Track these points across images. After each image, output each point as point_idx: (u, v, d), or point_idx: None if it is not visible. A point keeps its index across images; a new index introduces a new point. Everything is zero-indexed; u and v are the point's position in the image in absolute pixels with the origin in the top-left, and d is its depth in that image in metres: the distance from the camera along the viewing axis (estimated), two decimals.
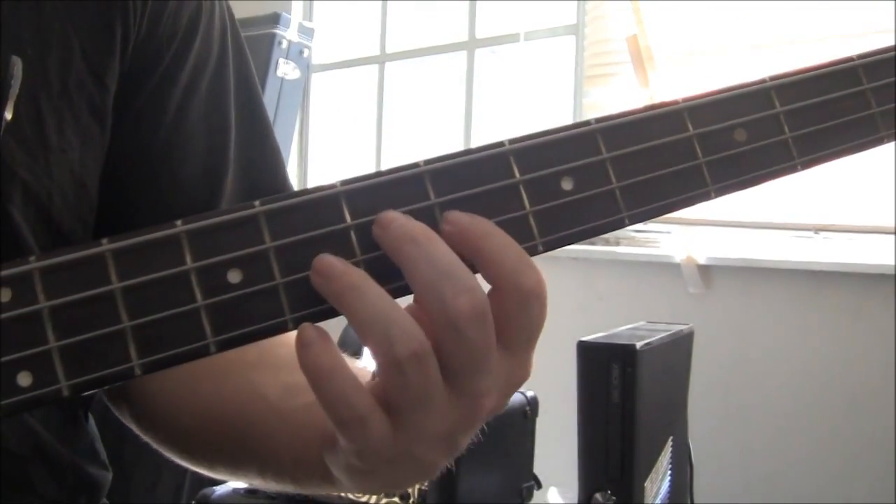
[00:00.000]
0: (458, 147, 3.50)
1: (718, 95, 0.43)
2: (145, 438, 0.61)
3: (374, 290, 0.37)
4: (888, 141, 0.43)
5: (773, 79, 0.43)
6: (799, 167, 0.43)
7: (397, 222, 0.38)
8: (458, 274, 0.37)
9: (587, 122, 0.41)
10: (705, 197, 0.41)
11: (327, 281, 0.37)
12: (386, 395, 0.38)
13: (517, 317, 0.39)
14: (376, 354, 0.38)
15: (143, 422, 0.61)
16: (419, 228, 0.38)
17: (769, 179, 0.42)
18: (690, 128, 0.42)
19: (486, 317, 0.37)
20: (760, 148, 0.42)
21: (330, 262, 0.38)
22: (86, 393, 0.38)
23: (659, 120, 0.42)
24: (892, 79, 0.44)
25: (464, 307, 0.37)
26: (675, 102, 0.42)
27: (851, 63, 0.44)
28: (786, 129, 0.43)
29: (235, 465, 0.56)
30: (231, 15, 0.63)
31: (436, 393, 0.38)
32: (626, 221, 0.41)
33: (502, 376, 0.39)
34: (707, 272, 2.62)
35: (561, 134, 0.41)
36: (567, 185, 0.40)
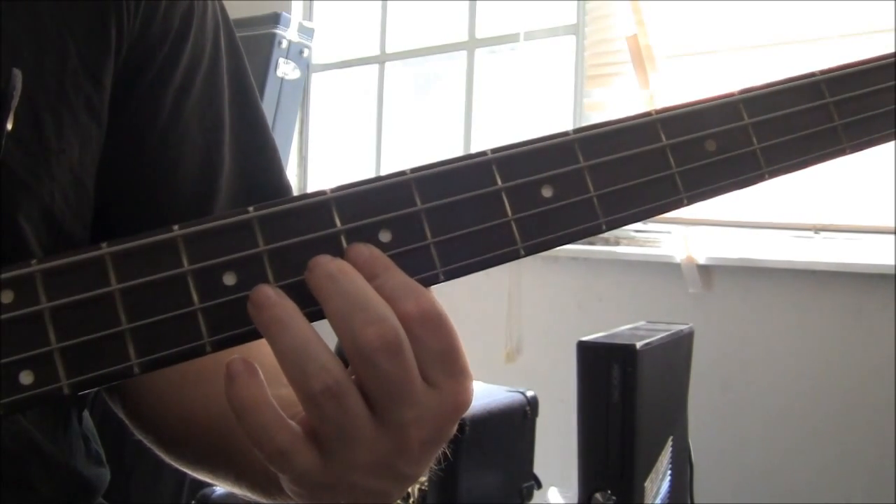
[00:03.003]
0: (458, 148, 3.47)
1: (690, 107, 0.45)
2: (137, 435, 0.62)
3: (297, 324, 0.38)
4: (850, 152, 0.45)
5: (741, 92, 0.45)
6: (766, 176, 0.45)
7: (320, 261, 0.39)
8: (368, 306, 0.38)
9: (566, 133, 0.43)
10: (678, 204, 0.43)
11: (258, 311, 0.38)
12: (312, 427, 0.39)
13: (414, 344, 0.39)
14: (293, 387, 0.38)
15: (133, 420, 0.62)
16: (336, 265, 0.39)
17: (739, 188, 0.44)
18: (664, 138, 0.44)
19: (398, 348, 0.38)
20: (730, 158, 0.44)
21: (265, 293, 0.39)
22: (86, 391, 0.39)
23: (634, 131, 0.43)
24: (853, 93, 0.46)
25: (371, 338, 0.37)
26: (649, 114, 0.44)
27: (814, 78, 0.46)
28: (754, 140, 0.44)
29: (214, 470, 0.58)
30: (224, 13, 0.63)
31: (357, 425, 0.39)
32: (603, 227, 0.42)
33: (430, 407, 0.39)
34: (707, 272, 2.62)
35: (541, 143, 0.42)
36: (547, 192, 0.42)
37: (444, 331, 0.39)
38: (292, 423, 0.39)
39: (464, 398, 0.40)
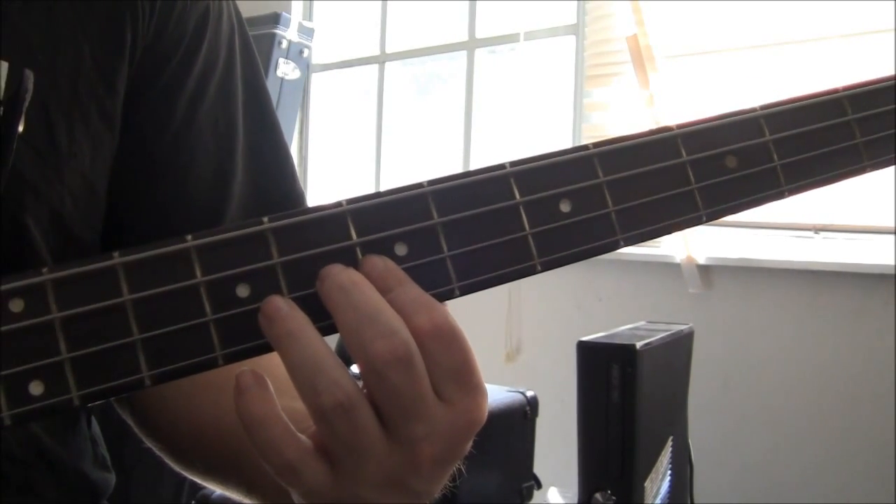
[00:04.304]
0: (459, 148, 3.45)
1: (711, 123, 0.44)
2: (147, 443, 0.61)
3: (308, 338, 0.38)
4: (871, 170, 0.45)
5: (763, 108, 0.45)
6: (786, 193, 0.44)
7: (332, 272, 0.38)
8: (379, 319, 0.37)
9: (585, 147, 0.42)
10: (697, 221, 0.43)
11: (269, 324, 0.38)
12: (322, 442, 0.39)
13: (427, 359, 0.38)
14: (304, 402, 0.38)
15: (143, 428, 0.61)
16: (348, 276, 0.38)
17: (758, 205, 0.44)
18: (684, 154, 0.43)
19: (408, 361, 0.37)
20: (750, 174, 0.44)
21: (276, 305, 0.38)
22: (96, 403, 0.38)
23: (654, 146, 0.43)
24: (876, 110, 0.45)
25: (381, 351, 0.37)
26: (670, 129, 0.43)
27: (837, 94, 0.45)
28: (775, 156, 0.44)
29: (225, 480, 0.57)
30: (239, 17, 0.62)
31: (368, 441, 0.38)
32: (621, 243, 0.42)
33: (443, 423, 0.39)
34: (707, 272, 2.62)
35: (560, 157, 0.42)
36: (565, 207, 0.41)
37: (458, 346, 0.38)
38: (302, 437, 0.39)
39: (477, 415, 0.39)
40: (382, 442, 0.38)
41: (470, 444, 0.41)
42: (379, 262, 0.39)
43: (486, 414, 0.40)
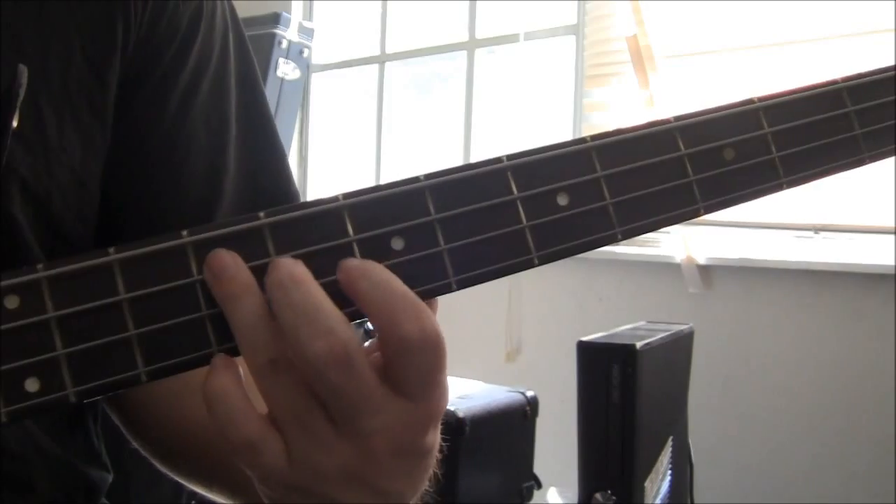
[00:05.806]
0: (459, 148, 3.45)
1: (709, 115, 0.44)
2: (133, 443, 0.61)
3: (251, 301, 0.37)
4: (870, 162, 0.45)
5: (761, 100, 0.45)
6: (785, 186, 0.44)
7: (276, 266, 0.37)
8: (317, 317, 0.36)
9: (583, 140, 0.42)
10: (695, 214, 0.43)
11: (215, 281, 0.37)
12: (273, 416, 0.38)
13: (401, 365, 0.37)
14: (245, 362, 0.38)
15: (130, 427, 0.61)
16: (287, 273, 0.37)
17: (756, 197, 0.44)
18: (682, 147, 0.43)
19: (349, 360, 0.36)
20: (748, 167, 0.44)
21: (222, 263, 0.37)
22: (92, 399, 0.38)
23: (652, 139, 0.43)
24: (874, 102, 0.45)
25: (319, 351, 0.36)
26: (668, 121, 0.43)
27: (836, 86, 0.45)
28: (773, 148, 0.44)
29: (210, 483, 0.57)
30: (234, 15, 0.63)
31: (305, 414, 0.38)
32: (619, 237, 0.42)
33: (399, 417, 0.38)
34: (707, 272, 2.62)
35: (557, 151, 0.42)
36: (563, 200, 0.41)
37: (440, 352, 0.38)
38: (261, 414, 0.38)
39: (437, 408, 0.39)
40: (327, 427, 0.38)
41: (434, 437, 0.40)
42: (355, 265, 0.38)
43: (446, 404, 0.39)
